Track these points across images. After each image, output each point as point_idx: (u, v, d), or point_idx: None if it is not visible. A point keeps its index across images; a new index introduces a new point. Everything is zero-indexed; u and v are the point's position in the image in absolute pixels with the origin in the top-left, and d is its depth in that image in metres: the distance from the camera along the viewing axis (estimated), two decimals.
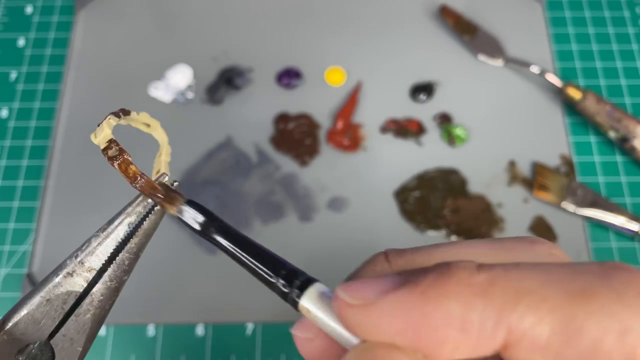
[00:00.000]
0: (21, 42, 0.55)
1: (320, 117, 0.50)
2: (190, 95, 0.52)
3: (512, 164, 0.48)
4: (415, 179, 0.48)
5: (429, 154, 0.49)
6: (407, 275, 0.15)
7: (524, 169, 0.48)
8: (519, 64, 0.52)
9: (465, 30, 0.54)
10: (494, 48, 0.53)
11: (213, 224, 0.19)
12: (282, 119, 0.50)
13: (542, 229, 0.46)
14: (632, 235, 0.45)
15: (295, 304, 0.17)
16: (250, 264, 0.19)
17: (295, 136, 0.50)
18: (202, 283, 0.44)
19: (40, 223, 0.46)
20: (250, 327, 0.43)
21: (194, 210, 0.20)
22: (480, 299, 0.14)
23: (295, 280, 0.17)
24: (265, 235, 0.46)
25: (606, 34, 0.55)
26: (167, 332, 0.43)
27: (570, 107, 0.51)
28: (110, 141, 0.21)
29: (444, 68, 0.53)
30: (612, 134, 0.48)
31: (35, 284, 0.44)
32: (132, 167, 0.21)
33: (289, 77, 0.52)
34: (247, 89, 0.52)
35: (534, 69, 0.51)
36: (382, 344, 0.15)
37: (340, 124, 0.49)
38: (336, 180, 0.48)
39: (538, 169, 0.48)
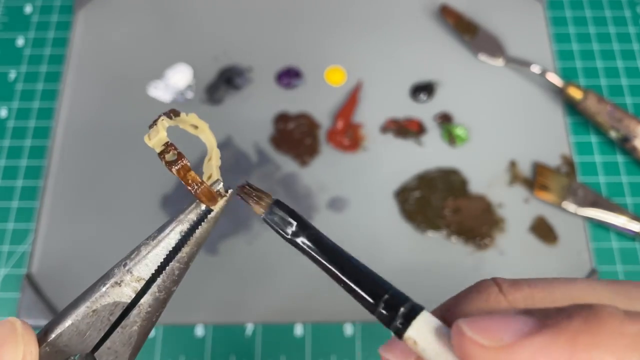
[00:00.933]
0: (20, 41, 0.54)
1: (320, 117, 0.50)
2: (189, 94, 0.51)
3: (512, 164, 0.48)
4: (415, 179, 0.48)
5: (429, 154, 0.49)
6: (544, 317, 0.14)
7: (525, 169, 0.48)
8: (520, 64, 0.52)
9: (465, 30, 0.54)
10: (494, 48, 0.53)
11: (305, 232, 0.18)
12: (282, 118, 0.50)
13: (542, 229, 0.46)
14: (633, 236, 0.45)
15: (399, 334, 0.16)
16: (349, 283, 0.17)
17: (295, 136, 0.49)
18: (202, 283, 0.44)
19: (40, 223, 0.46)
20: (250, 327, 0.43)
21: (283, 213, 0.18)
22: (634, 352, 0.13)
23: (400, 307, 0.16)
24: (265, 235, 0.45)
25: (607, 33, 0.54)
26: (167, 333, 0.43)
27: (571, 107, 0.50)
28: (167, 144, 0.20)
29: (445, 68, 0.53)
30: (613, 134, 0.48)
31: (34, 284, 0.44)
32: (192, 174, 0.19)
33: (289, 76, 0.52)
34: (247, 88, 0.52)
35: (535, 69, 0.51)
36: None
37: (340, 124, 0.49)
38: (336, 180, 0.48)
39: (539, 169, 0.47)
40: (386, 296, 0.16)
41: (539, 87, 0.52)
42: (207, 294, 0.44)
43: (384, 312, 0.16)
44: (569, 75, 0.52)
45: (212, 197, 0.19)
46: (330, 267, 0.17)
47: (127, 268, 0.19)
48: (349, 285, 0.17)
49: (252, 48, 0.54)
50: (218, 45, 0.54)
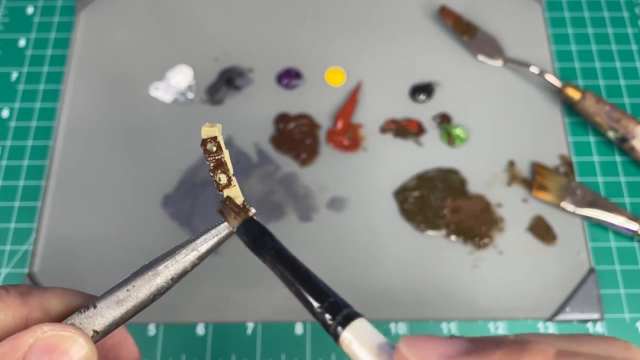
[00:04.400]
0: (22, 42, 0.55)
1: (320, 117, 0.51)
2: (190, 95, 0.52)
3: (511, 164, 0.49)
4: (414, 179, 0.48)
5: (428, 154, 0.49)
6: (479, 343, 0.14)
7: (524, 169, 0.48)
8: (519, 64, 0.52)
9: (464, 31, 0.54)
10: (493, 48, 0.53)
11: (267, 246, 0.20)
12: (282, 119, 0.50)
13: (541, 229, 0.46)
14: (631, 235, 0.45)
15: (336, 336, 0.17)
16: (299, 290, 0.19)
17: (295, 136, 0.50)
18: (203, 282, 0.44)
19: (41, 223, 0.46)
20: (250, 326, 0.43)
21: (252, 229, 0.20)
22: None
23: (340, 311, 0.17)
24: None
25: (605, 34, 0.55)
26: (167, 331, 0.43)
27: (570, 107, 0.51)
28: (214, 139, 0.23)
29: (444, 68, 0.53)
30: (611, 134, 0.48)
31: (36, 283, 0.44)
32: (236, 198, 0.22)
33: (289, 77, 0.52)
34: (247, 89, 0.52)
35: (534, 69, 0.51)
36: None
37: (340, 124, 0.50)
38: (336, 180, 0.48)
39: (537, 168, 0.48)
40: (329, 301, 0.18)
41: (537, 87, 0.52)
42: (208, 292, 0.44)
43: (326, 314, 0.17)
44: (567, 76, 0.53)
45: (232, 204, 0.21)
46: (286, 274, 0.19)
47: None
48: (300, 291, 0.19)
49: (252, 49, 0.54)
50: (218, 46, 0.54)
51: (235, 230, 0.21)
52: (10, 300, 0.20)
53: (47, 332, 0.20)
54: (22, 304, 0.21)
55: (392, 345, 0.17)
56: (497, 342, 0.14)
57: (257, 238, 0.20)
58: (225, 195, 0.22)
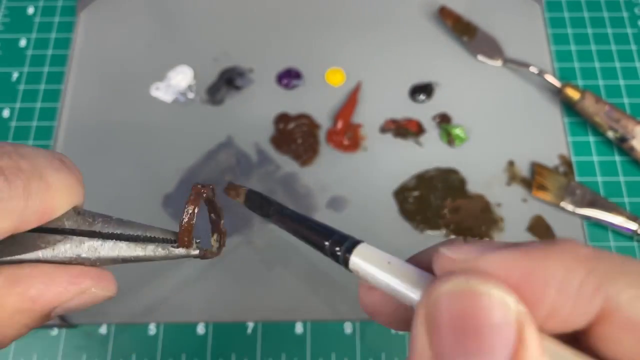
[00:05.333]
0: (23, 42, 0.55)
1: (320, 117, 0.51)
2: (191, 95, 0.52)
3: (511, 164, 0.49)
4: (414, 179, 0.48)
5: (428, 154, 0.49)
6: (507, 244, 0.16)
7: (523, 168, 0.49)
8: (518, 65, 0.52)
9: (464, 31, 0.54)
10: (493, 48, 0.53)
11: (272, 207, 0.22)
12: (282, 119, 0.51)
13: (541, 229, 0.46)
14: (630, 235, 0.45)
15: (346, 263, 0.19)
16: (306, 233, 0.21)
17: (295, 136, 0.50)
18: (203, 282, 0.44)
19: None
20: (250, 326, 0.43)
21: (254, 199, 0.23)
22: (583, 265, 0.14)
23: (344, 243, 0.19)
24: (265, 234, 0.46)
25: (605, 34, 0.55)
26: (167, 331, 0.43)
27: (569, 107, 0.51)
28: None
29: (443, 68, 0.53)
30: (610, 134, 0.48)
31: None
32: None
33: (289, 77, 0.52)
34: (247, 89, 0.52)
35: (533, 70, 0.51)
36: (481, 279, 0.15)
37: (340, 124, 0.50)
38: (336, 180, 0.48)
39: (537, 168, 0.48)
40: (335, 236, 0.20)
41: (537, 87, 0.52)
42: (208, 292, 0.44)
43: (332, 249, 0.19)
44: (566, 76, 0.53)
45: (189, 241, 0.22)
46: (293, 225, 0.21)
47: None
48: (307, 234, 0.21)
49: (252, 49, 0.54)
50: (219, 47, 0.54)
51: (244, 204, 0.23)
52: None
53: (93, 290, 0.20)
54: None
55: (400, 259, 0.18)
56: (527, 242, 0.16)
57: (261, 204, 0.22)
58: (227, 182, 0.25)
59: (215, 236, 0.24)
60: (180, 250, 0.21)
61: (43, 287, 0.19)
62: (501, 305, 0.14)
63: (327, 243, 0.19)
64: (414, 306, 0.16)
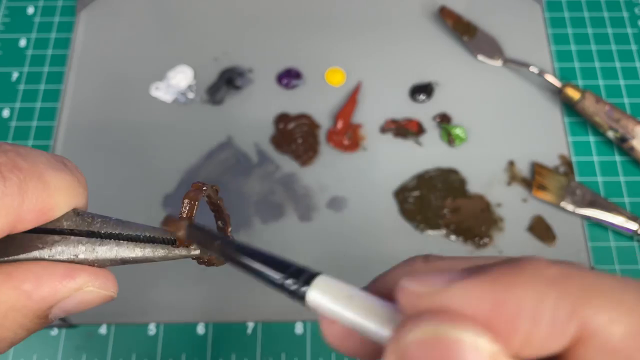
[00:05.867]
0: (23, 42, 0.55)
1: (320, 117, 0.51)
2: (191, 95, 0.52)
3: (511, 164, 0.49)
4: (414, 179, 0.48)
5: (428, 154, 0.49)
6: (473, 269, 0.15)
7: (523, 168, 0.49)
8: (518, 64, 0.52)
9: (464, 31, 0.54)
10: (493, 48, 0.53)
11: (218, 241, 0.20)
12: (282, 119, 0.51)
13: (541, 229, 0.46)
14: (630, 235, 0.45)
15: (302, 299, 0.17)
16: (258, 269, 0.19)
17: (295, 136, 0.50)
18: (203, 282, 0.44)
19: None
20: (250, 325, 0.43)
21: (196, 233, 0.20)
22: (554, 289, 0.14)
23: (301, 276, 0.17)
24: (265, 234, 0.46)
25: (605, 34, 0.55)
26: (168, 331, 0.43)
27: (569, 107, 0.51)
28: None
29: (444, 68, 0.53)
30: (610, 134, 0.48)
31: None
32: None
33: (289, 77, 0.52)
34: (247, 89, 0.52)
35: (533, 69, 0.51)
36: (451, 323, 0.14)
37: (340, 124, 0.50)
38: (336, 180, 0.48)
39: (537, 168, 0.48)
40: (289, 271, 0.18)
41: (537, 87, 0.52)
42: (208, 292, 0.44)
43: (288, 284, 0.17)
44: (567, 76, 0.53)
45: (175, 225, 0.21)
46: (242, 261, 0.19)
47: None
48: (259, 270, 0.19)
49: (252, 49, 0.54)
50: (219, 47, 0.54)
51: (185, 240, 0.21)
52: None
53: (90, 287, 0.20)
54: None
55: (364, 290, 0.17)
56: (492, 263, 0.15)
57: (203, 238, 0.20)
58: (165, 216, 0.22)
59: None
60: (180, 250, 0.21)
61: (37, 280, 0.19)
62: (474, 349, 0.13)
63: (279, 277, 0.18)
64: (381, 342, 0.15)
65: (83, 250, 0.20)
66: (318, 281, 0.17)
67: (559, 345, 0.14)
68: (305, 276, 0.17)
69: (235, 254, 0.19)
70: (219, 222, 0.23)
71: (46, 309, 0.19)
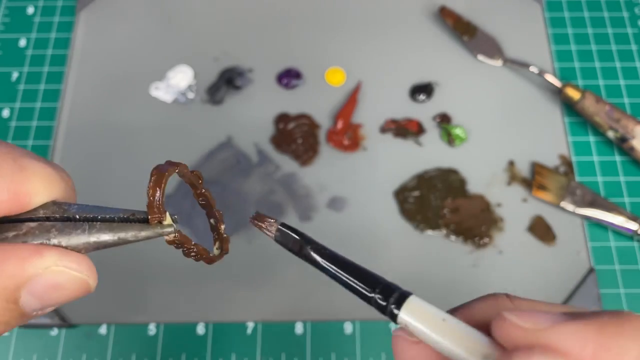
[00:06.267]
0: (22, 42, 0.55)
1: (320, 117, 0.51)
2: (191, 95, 0.52)
3: (511, 164, 0.49)
4: (414, 179, 0.48)
5: (428, 154, 0.49)
6: (575, 314, 0.15)
7: (523, 168, 0.49)
8: (518, 64, 0.52)
9: (464, 31, 0.54)
10: (493, 48, 0.53)
11: (309, 246, 0.21)
12: (282, 119, 0.51)
13: (541, 229, 0.46)
14: (630, 235, 0.45)
15: (394, 317, 0.18)
16: (348, 281, 0.20)
17: (295, 136, 0.50)
18: (203, 282, 0.44)
19: None
20: (250, 326, 0.43)
21: (289, 233, 0.21)
22: None
23: (392, 294, 0.18)
24: (265, 234, 0.46)
25: (605, 34, 0.55)
26: (168, 331, 0.43)
27: (569, 107, 0.51)
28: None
29: (444, 68, 0.53)
30: (611, 134, 0.48)
31: None
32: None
33: (289, 77, 0.52)
34: (247, 89, 0.52)
35: (533, 69, 0.51)
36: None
37: (340, 124, 0.50)
38: (336, 180, 0.48)
39: (537, 168, 0.48)
40: (380, 286, 0.19)
41: (537, 87, 0.52)
42: (208, 292, 0.44)
43: (379, 301, 0.18)
44: (567, 76, 0.53)
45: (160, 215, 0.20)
46: (334, 270, 0.20)
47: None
48: (349, 282, 0.20)
49: (252, 49, 0.54)
50: (219, 46, 0.54)
51: (274, 238, 0.21)
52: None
53: (60, 267, 0.18)
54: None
55: (451, 316, 0.17)
56: (591, 312, 0.16)
57: (296, 242, 0.21)
58: (255, 212, 0.23)
59: (217, 244, 0.23)
60: (155, 228, 0.20)
61: (3, 257, 0.18)
62: None
63: (372, 294, 0.19)
64: None
65: (56, 234, 0.19)
66: (410, 302, 0.18)
67: None
68: (397, 295, 0.18)
69: (327, 262, 0.20)
70: (211, 220, 0.22)
71: (14, 290, 0.18)
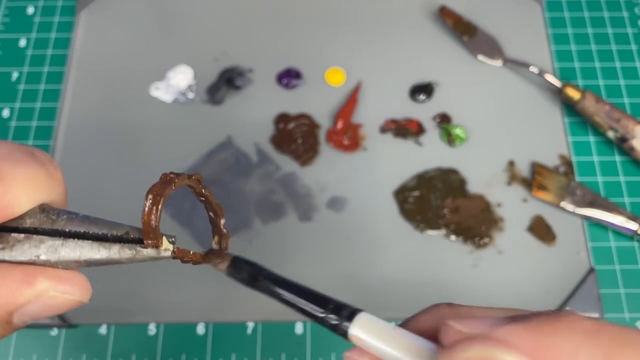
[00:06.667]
0: (22, 42, 0.55)
1: (320, 117, 0.51)
2: (191, 95, 0.52)
3: (511, 164, 0.49)
4: (414, 179, 0.48)
5: (428, 154, 0.49)
6: (513, 317, 0.16)
7: (523, 168, 0.49)
8: (518, 64, 0.52)
9: (464, 31, 0.54)
10: (493, 48, 0.53)
11: (260, 274, 0.21)
12: (282, 119, 0.51)
13: (541, 229, 0.46)
14: (631, 235, 0.45)
15: (345, 334, 0.19)
16: (301, 305, 0.20)
17: (295, 136, 0.50)
18: (203, 282, 0.44)
19: None
20: (250, 326, 0.43)
21: (240, 265, 0.21)
22: (589, 340, 0.15)
23: (342, 312, 0.19)
24: (265, 235, 0.46)
25: (605, 34, 0.55)
26: (167, 331, 0.43)
27: (569, 107, 0.51)
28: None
29: (444, 68, 0.53)
30: (611, 134, 0.48)
31: None
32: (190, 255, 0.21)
33: (289, 77, 0.52)
34: (247, 89, 0.52)
35: (533, 69, 0.51)
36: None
37: (340, 124, 0.50)
38: (336, 180, 0.48)
39: (537, 168, 0.48)
40: (331, 306, 0.19)
41: (537, 87, 0.52)
42: (208, 292, 0.44)
43: (330, 320, 0.19)
44: (567, 76, 0.53)
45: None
46: (288, 296, 0.20)
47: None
48: (301, 306, 0.20)
49: (252, 49, 0.54)
50: (219, 46, 0.54)
51: (226, 273, 0.21)
52: None
53: (52, 292, 0.18)
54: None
55: (401, 329, 0.18)
56: (530, 313, 0.17)
57: (248, 275, 0.21)
58: (207, 249, 0.22)
59: (216, 238, 0.22)
60: (149, 251, 0.19)
61: None
62: None
63: (324, 314, 0.19)
64: None
65: (45, 250, 0.18)
66: (360, 318, 0.19)
67: None
68: (347, 312, 0.19)
69: (277, 289, 0.20)
70: (211, 214, 0.22)
71: (7, 315, 0.18)
